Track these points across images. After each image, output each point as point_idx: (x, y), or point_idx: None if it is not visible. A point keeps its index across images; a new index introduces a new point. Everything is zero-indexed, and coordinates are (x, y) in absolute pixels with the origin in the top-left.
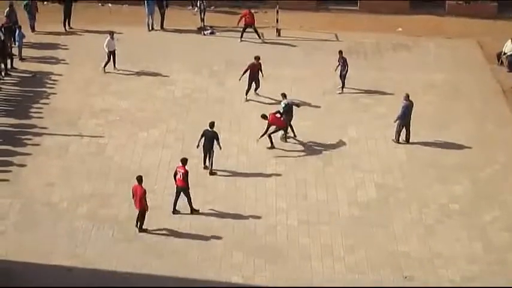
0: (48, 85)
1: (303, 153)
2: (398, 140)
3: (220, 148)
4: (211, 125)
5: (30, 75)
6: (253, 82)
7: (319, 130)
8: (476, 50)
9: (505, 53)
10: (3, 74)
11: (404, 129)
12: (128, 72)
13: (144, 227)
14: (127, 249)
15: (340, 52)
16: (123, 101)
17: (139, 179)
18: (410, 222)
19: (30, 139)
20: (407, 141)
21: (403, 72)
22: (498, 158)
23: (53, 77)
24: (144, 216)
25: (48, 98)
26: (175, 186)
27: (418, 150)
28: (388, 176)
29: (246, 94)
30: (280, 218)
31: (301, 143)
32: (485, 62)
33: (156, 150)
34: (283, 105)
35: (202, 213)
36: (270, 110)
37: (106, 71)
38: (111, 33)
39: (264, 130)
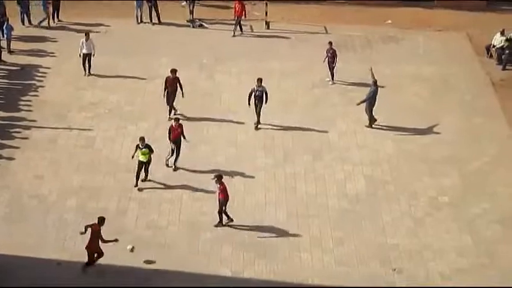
0: (36, 78)
1: (291, 146)
2: (372, 125)
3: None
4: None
5: (19, 68)
6: (172, 96)
7: (307, 123)
8: (466, 42)
9: (494, 46)
10: None
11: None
12: (116, 65)
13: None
14: (116, 243)
15: (330, 43)
16: (112, 94)
17: (101, 220)
18: (400, 214)
19: (18, 132)
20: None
21: (392, 65)
22: (487, 150)
23: (42, 70)
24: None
25: (37, 91)
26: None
27: (406, 142)
28: (377, 169)
29: (169, 112)
30: (269, 211)
31: (289, 136)
32: (474, 54)
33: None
34: (259, 93)
35: (192, 207)
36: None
37: (91, 73)
38: (87, 33)
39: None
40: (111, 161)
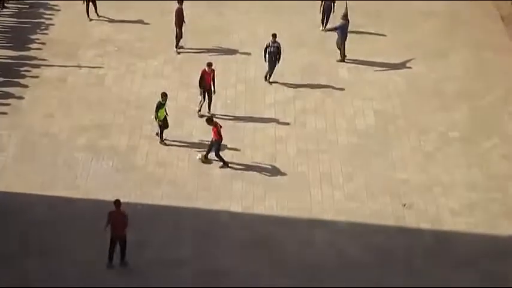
0: (45, 16)
1: (301, 82)
2: (344, 59)
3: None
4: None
5: (27, 6)
6: (179, 28)
7: (316, 59)
8: None
9: None
10: (0, 6)
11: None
12: (125, 3)
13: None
14: (127, 180)
15: None
16: (121, 32)
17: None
18: (410, 149)
19: (28, 71)
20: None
21: (402, 0)
22: (497, 85)
23: (51, 8)
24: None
25: (47, 30)
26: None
27: (416, 78)
28: (387, 104)
29: (177, 47)
30: (279, 146)
31: (299, 71)
32: None
33: (155, 81)
34: (273, 49)
35: (201, 144)
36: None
37: (91, 18)
38: None
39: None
40: (121, 98)
